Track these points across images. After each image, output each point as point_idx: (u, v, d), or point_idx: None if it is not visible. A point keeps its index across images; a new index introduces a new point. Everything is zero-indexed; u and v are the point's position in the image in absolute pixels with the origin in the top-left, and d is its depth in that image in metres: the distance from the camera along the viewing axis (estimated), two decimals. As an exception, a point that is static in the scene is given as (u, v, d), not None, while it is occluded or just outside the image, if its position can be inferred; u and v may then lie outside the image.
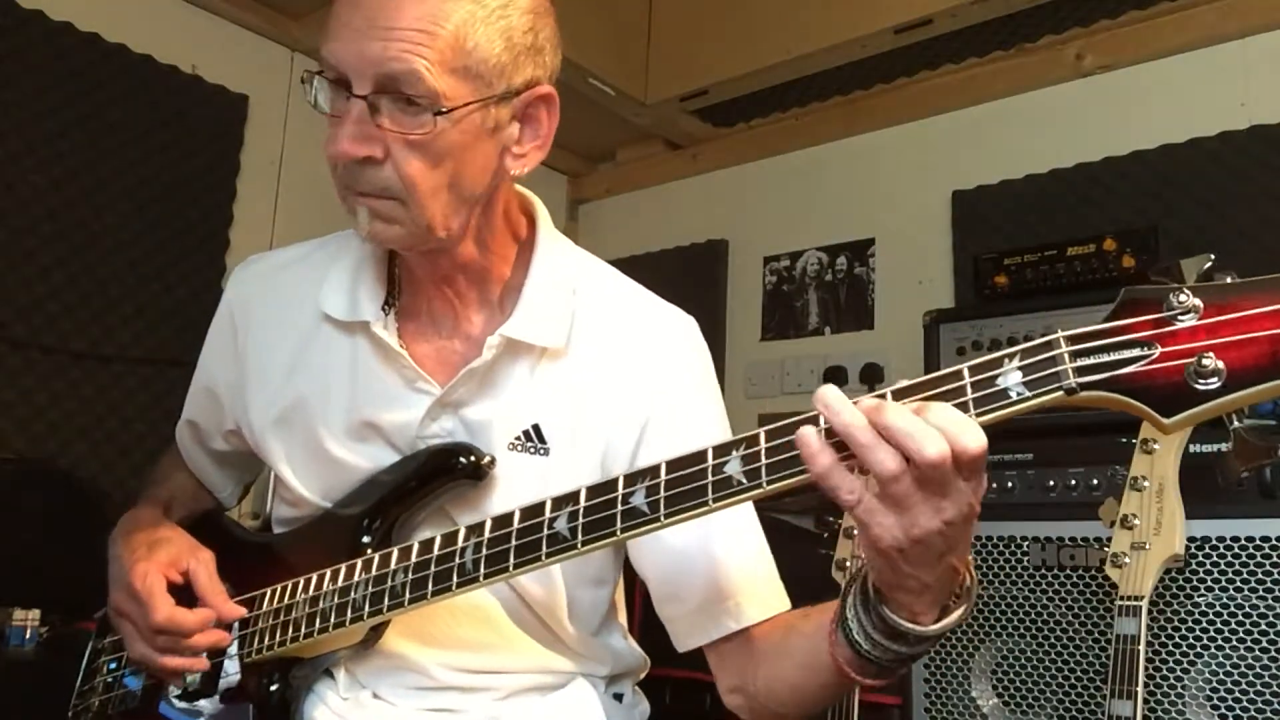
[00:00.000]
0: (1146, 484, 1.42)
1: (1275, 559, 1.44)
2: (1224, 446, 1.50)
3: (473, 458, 1.02)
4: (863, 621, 0.83)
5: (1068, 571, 1.63)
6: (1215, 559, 1.48)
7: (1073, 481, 1.70)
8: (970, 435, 0.70)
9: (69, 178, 2.19)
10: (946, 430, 0.70)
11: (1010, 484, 1.76)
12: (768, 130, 3.07)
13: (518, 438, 1.04)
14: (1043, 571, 1.66)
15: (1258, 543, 1.46)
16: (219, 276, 2.41)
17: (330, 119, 0.95)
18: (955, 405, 0.72)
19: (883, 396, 0.74)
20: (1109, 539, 1.44)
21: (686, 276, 3.06)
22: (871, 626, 0.82)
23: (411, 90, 0.91)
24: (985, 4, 2.34)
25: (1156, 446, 1.42)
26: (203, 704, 1.10)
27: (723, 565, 1.01)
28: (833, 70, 2.71)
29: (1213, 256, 0.72)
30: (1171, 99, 2.33)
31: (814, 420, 0.75)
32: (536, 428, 1.05)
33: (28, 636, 1.79)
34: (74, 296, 2.18)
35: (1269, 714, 1.40)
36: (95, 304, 2.21)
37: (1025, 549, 1.68)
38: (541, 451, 1.04)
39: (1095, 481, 1.67)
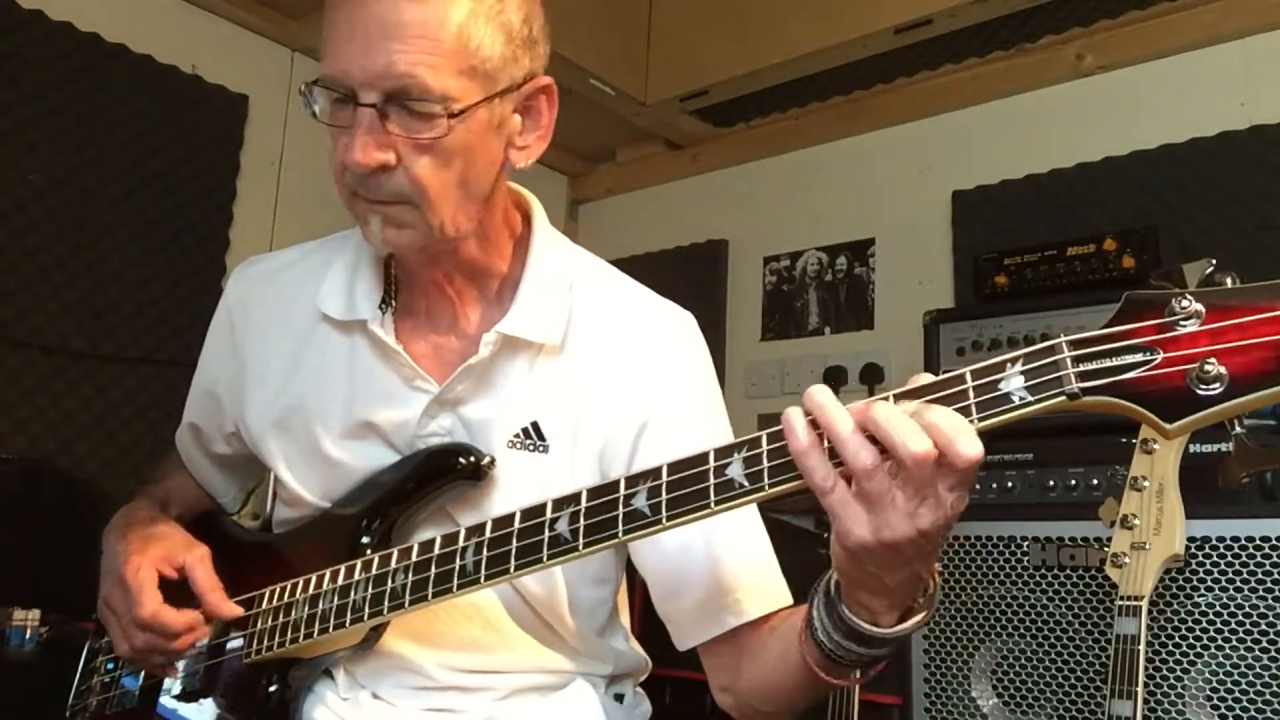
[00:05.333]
0: (1146, 484, 1.41)
1: (1275, 559, 1.44)
2: (1224, 447, 1.50)
3: (472, 458, 1.02)
4: (825, 621, 0.83)
5: (1068, 571, 1.63)
6: (1215, 559, 1.49)
7: (1073, 481, 1.70)
8: (965, 441, 0.70)
9: (69, 178, 2.19)
10: (942, 432, 0.70)
11: (1010, 484, 1.76)
12: (768, 130, 3.07)
13: (516, 435, 1.04)
14: (1043, 571, 1.66)
15: (1258, 543, 1.46)
16: (219, 276, 2.41)
17: (333, 129, 0.95)
18: (958, 409, 0.72)
19: (885, 399, 0.74)
20: (1109, 539, 1.44)
21: (686, 276, 3.06)
22: (833, 626, 0.82)
23: (420, 98, 0.91)
24: (985, 4, 2.34)
25: (1156, 447, 1.42)
26: (201, 704, 1.10)
27: (725, 561, 1.01)
28: (833, 70, 2.71)
29: (1214, 261, 0.71)
30: (1171, 99, 2.33)
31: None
32: (535, 425, 1.04)
33: (28, 636, 1.79)
34: (74, 296, 2.18)
35: (1269, 714, 1.40)
36: (95, 304, 2.21)
37: (1025, 549, 1.68)
38: (540, 449, 1.04)
39: (1095, 481, 1.67)
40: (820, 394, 0.74)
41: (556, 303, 1.07)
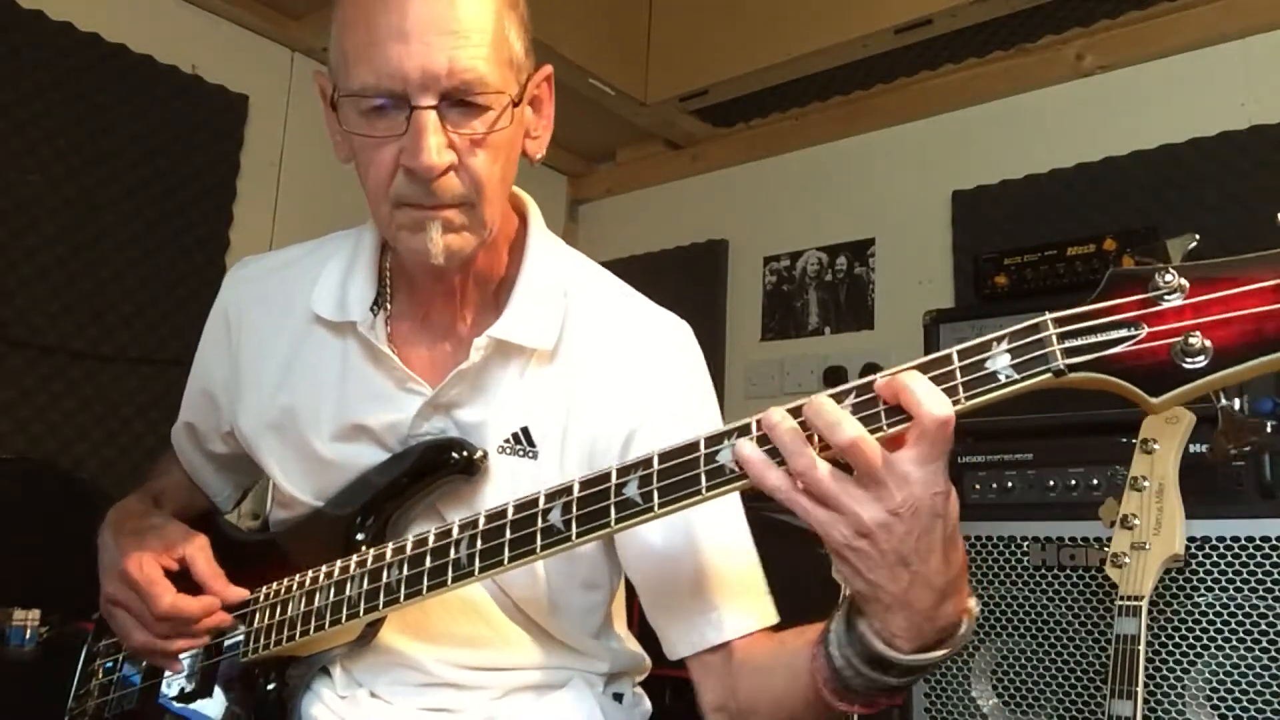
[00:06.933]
0: (1146, 484, 1.41)
1: (1275, 559, 1.44)
2: (1222, 442, 1.50)
3: (465, 453, 1.01)
4: (842, 639, 0.80)
5: (1068, 571, 1.63)
6: (1215, 559, 1.48)
7: (1073, 481, 1.70)
8: (934, 402, 0.70)
9: (69, 178, 2.19)
10: (911, 394, 0.70)
11: (1010, 484, 1.76)
12: (768, 130, 3.07)
13: (506, 440, 1.03)
14: (1043, 571, 1.66)
15: (1258, 543, 1.46)
16: (219, 276, 2.37)
17: (367, 140, 0.93)
18: (944, 389, 0.72)
19: (870, 384, 0.74)
20: (1109, 539, 1.44)
21: (686, 276, 3.06)
22: (849, 644, 0.79)
23: (481, 91, 0.90)
24: (985, 4, 2.34)
25: (1156, 446, 1.42)
26: (199, 704, 1.10)
27: (709, 576, 0.99)
28: (833, 70, 2.71)
29: (1197, 236, 0.72)
30: (1171, 99, 2.33)
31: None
32: (525, 430, 1.04)
33: (28, 636, 1.79)
34: (74, 296, 2.18)
35: (1269, 714, 1.40)
36: (95, 304, 2.21)
37: (1025, 549, 1.68)
38: (530, 454, 1.03)
39: (1095, 481, 1.67)
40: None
41: (550, 308, 1.06)
